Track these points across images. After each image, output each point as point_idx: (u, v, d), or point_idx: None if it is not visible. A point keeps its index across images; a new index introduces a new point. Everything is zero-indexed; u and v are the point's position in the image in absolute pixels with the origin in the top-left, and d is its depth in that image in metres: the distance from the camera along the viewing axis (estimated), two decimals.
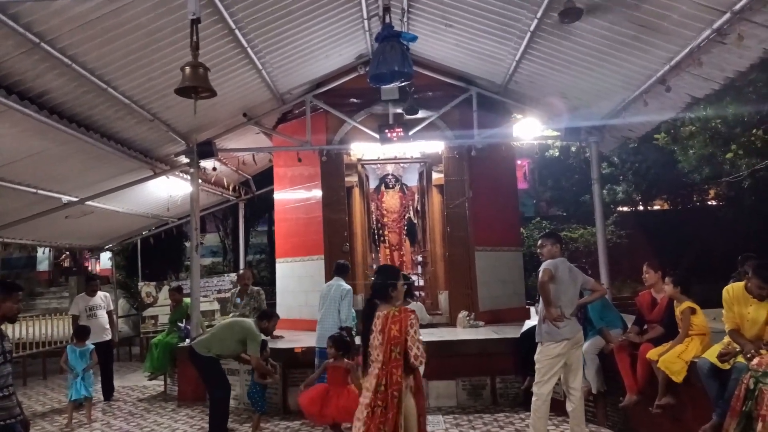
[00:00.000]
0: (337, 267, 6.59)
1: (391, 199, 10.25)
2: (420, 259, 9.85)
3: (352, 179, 9.09)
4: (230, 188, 11.57)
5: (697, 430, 4.39)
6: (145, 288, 11.58)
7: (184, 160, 8.42)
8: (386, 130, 8.09)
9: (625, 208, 20.23)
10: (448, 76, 8.39)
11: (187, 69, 3.82)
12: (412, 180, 10.25)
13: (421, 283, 9.52)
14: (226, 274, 12.58)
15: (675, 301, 5.07)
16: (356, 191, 9.16)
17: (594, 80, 6.69)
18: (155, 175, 8.30)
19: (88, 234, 11.00)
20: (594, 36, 5.74)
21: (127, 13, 4.98)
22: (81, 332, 7.06)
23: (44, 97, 5.69)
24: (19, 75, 5.20)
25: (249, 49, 6.48)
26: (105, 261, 15.75)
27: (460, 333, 7.68)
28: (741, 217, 15.98)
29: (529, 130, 9.43)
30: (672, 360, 4.78)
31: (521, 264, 9.24)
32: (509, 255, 9.06)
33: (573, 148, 16.03)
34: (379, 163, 9.80)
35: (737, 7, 4.49)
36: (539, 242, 5.33)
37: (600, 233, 8.12)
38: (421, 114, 8.11)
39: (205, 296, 10.59)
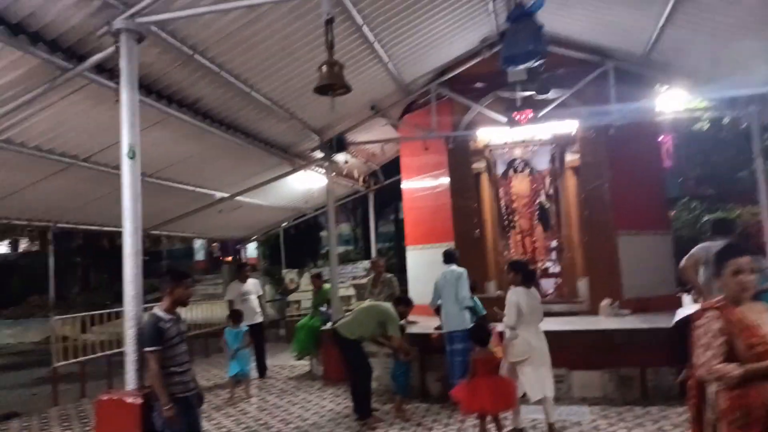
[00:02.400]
0: (446, 255, 6.66)
1: (520, 184, 9.94)
2: (554, 244, 9.47)
3: (479, 165, 8.96)
4: (360, 179, 11.99)
5: None
6: (289, 275, 12.44)
7: (318, 154, 8.89)
8: (514, 113, 7.87)
9: None
10: (581, 51, 7.92)
11: (324, 68, 4.01)
12: (542, 163, 9.84)
13: (557, 269, 9.15)
14: (359, 262, 13.11)
15: None
16: (484, 177, 9.02)
17: (754, 43, 5.91)
18: (294, 170, 8.86)
19: (237, 226, 12.06)
20: None
21: (264, 20, 5.33)
22: (236, 316, 7.79)
23: (198, 104, 6.31)
24: (176, 85, 5.82)
25: (376, 44, 6.64)
26: (251, 250, 17.18)
27: (604, 322, 7.29)
28: None
29: (673, 103, 8.61)
30: None
31: (670, 248, 8.51)
32: (656, 239, 8.39)
33: (726, 120, 14.35)
34: (507, 148, 9.55)
35: None
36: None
37: (766, 212, 7.23)
38: (551, 94, 7.76)
39: (341, 282, 11.12)
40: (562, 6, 6.73)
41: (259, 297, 8.89)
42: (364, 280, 11.36)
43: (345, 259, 18.04)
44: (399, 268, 14.41)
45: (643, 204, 8.29)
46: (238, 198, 9.19)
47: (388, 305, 6.22)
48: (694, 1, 5.61)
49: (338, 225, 21.22)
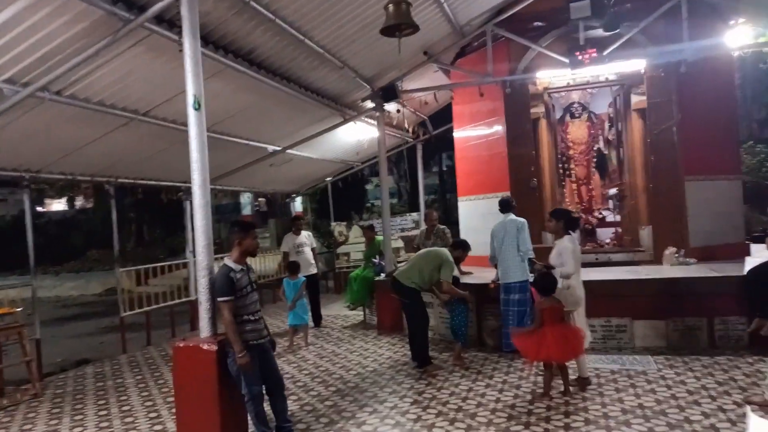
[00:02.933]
0: (503, 203, 6.51)
1: (578, 130, 9.56)
2: (612, 192, 9.14)
3: (538, 110, 8.61)
4: (411, 130, 11.78)
5: None
6: (338, 227, 12.50)
7: (369, 105, 8.71)
8: (577, 53, 7.46)
9: None
10: None
11: (391, 6, 3.83)
12: (601, 107, 9.41)
13: (617, 218, 8.86)
14: (407, 214, 13.05)
15: None
16: (543, 123, 8.67)
17: None
18: (345, 121, 8.73)
19: (285, 180, 12.12)
20: None
21: None
22: (293, 267, 7.89)
23: (252, 54, 6.21)
24: (232, 35, 5.71)
25: None
26: (297, 204, 17.34)
27: (668, 271, 7.05)
28: None
29: (741, 38, 7.98)
30: None
31: (740, 194, 8.09)
32: (725, 184, 7.96)
33: None
34: (564, 91, 9.13)
35: None
36: None
37: None
38: (616, 31, 7.31)
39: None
40: None
41: (312, 249, 8.97)
42: (412, 233, 11.35)
43: (391, 212, 18.05)
44: (443, 221, 14.23)
45: (714, 148, 7.83)
46: (289, 151, 9.16)
47: (446, 250, 6.17)
48: None
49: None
